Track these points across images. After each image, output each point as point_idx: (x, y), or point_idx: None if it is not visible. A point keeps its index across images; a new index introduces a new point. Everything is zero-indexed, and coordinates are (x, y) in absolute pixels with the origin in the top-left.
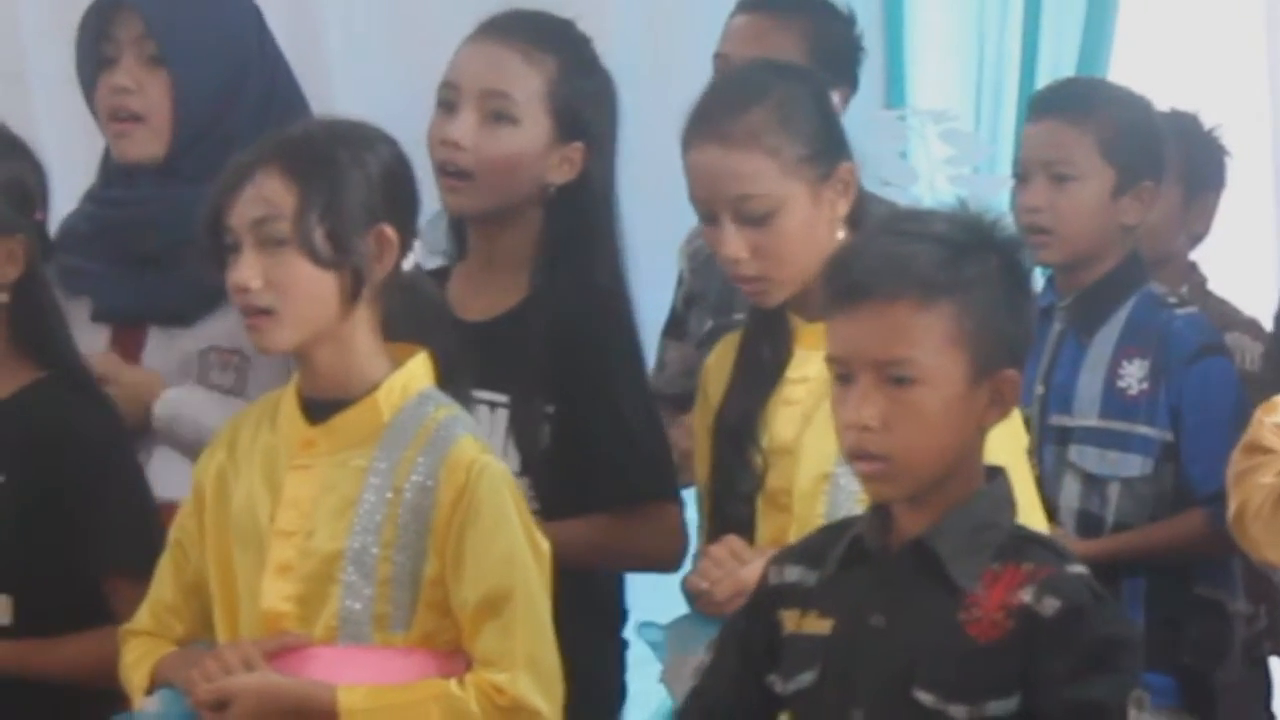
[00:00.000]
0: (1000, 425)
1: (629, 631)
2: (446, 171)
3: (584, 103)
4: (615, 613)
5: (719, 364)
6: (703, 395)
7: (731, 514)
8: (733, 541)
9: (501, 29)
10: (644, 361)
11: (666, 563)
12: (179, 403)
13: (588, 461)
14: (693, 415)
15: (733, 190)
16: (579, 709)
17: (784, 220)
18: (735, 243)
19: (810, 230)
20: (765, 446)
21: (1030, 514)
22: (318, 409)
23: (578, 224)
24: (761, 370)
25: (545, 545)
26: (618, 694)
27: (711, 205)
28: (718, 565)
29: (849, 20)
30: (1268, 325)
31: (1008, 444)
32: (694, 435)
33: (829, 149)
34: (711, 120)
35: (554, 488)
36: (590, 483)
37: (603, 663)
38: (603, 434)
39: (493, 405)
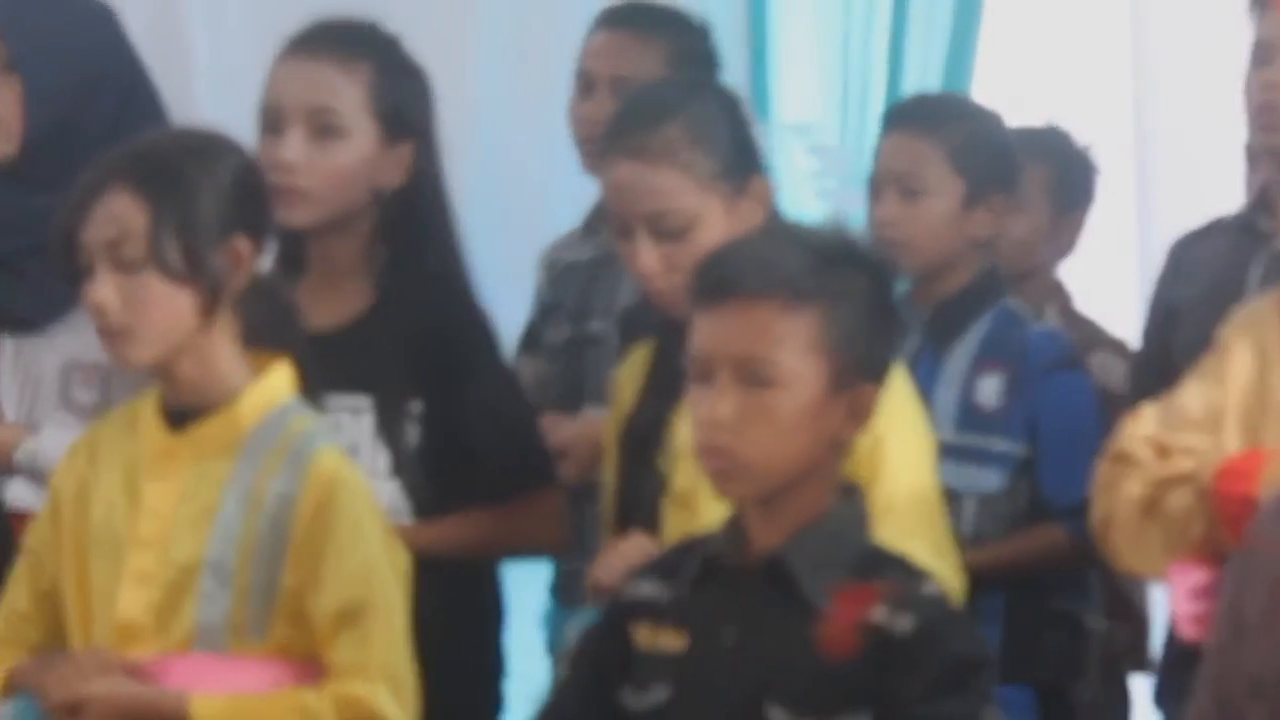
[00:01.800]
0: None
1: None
2: (282, 192)
3: (406, 102)
4: (495, 618)
5: (631, 373)
6: (614, 404)
7: (638, 518)
8: (639, 538)
9: (312, 43)
10: (503, 350)
11: (553, 549)
12: (38, 452)
13: (463, 456)
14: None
15: (648, 206)
16: (457, 714)
17: (699, 234)
18: (650, 257)
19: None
20: (673, 449)
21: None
22: (178, 418)
23: (416, 222)
24: (673, 377)
25: (404, 557)
26: (496, 699)
27: (627, 220)
28: (622, 559)
29: (706, 32)
30: (1132, 344)
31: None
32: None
33: (743, 164)
34: (626, 136)
35: (429, 485)
36: (468, 477)
37: (482, 667)
38: (475, 427)
39: (356, 410)
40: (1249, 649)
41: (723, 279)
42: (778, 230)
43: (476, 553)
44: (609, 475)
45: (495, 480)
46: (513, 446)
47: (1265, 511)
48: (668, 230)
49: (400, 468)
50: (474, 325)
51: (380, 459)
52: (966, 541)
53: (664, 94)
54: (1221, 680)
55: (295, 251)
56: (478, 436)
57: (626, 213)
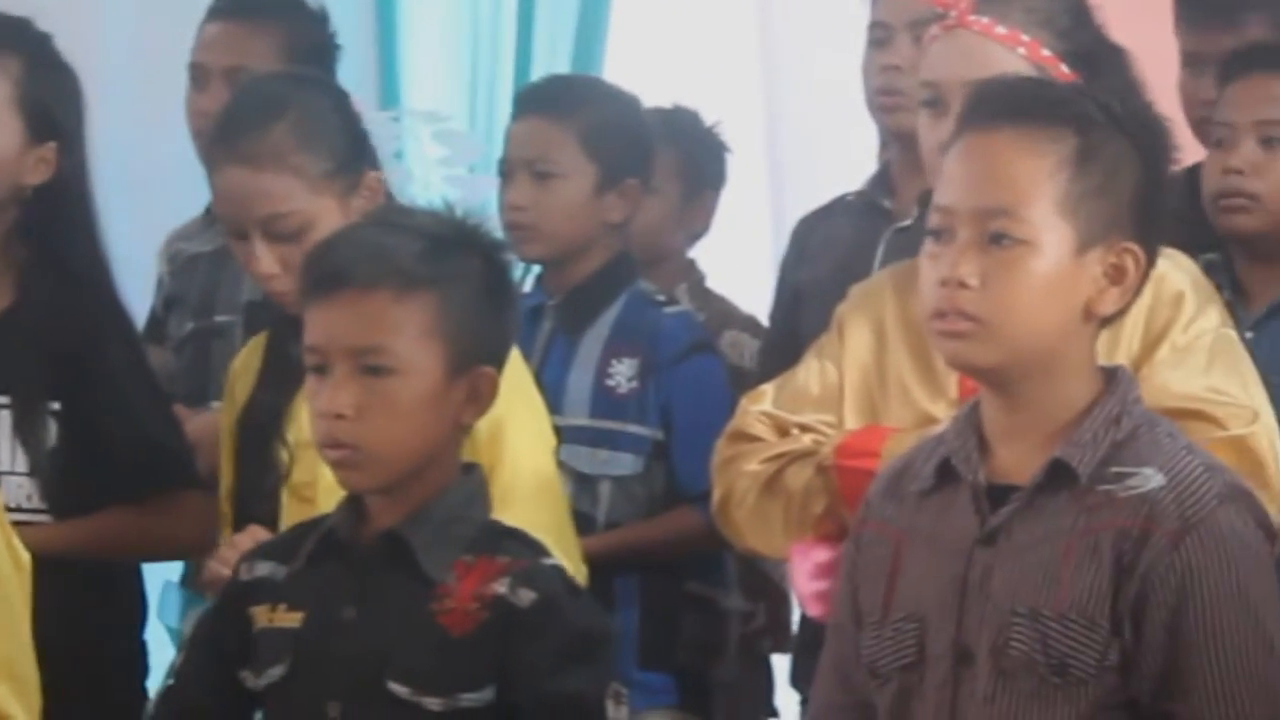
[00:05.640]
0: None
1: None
2: None
3: (53, 101)
4: (134, 615)
5: (246, 365)
6: (230, 397)
7: (256, 510)
8: (256, 531)
9: None
10: (143, 350)
11: (194, 549)
12: None
13: (100, 456)
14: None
15: (261, 210)
16: (96, 713)
17: (315, 234)
18: (267, 259)
19: None
20: (291, 441)
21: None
22: None
23: (57, 222)
24: (289, 368)
25: (25, 556)
26: (137, 697)
27: (241, 224)
28: (239, 553)
29: (323, 18)
30: (765, 321)
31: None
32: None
33: (354, 159)
34: (234, 141)
35: (66, 485)
36: (105, 476)
37: (121, 666)
38: (112, 427)
39: None
40: (868, 636)
41: (333, 271)
42: (387, 217)
43: (114, 553)
44: (226, 472)
45: (132, 480)
46: (151, 446)
47: (872, 493)
48: (282, 233)
49: (36, 468)
50: (113, 325)
51: (18, 459)
52: (601, 525)
53: (269, 94)
54: (844, 663)
55: None
56: (115, 436)
57: (240, 217)
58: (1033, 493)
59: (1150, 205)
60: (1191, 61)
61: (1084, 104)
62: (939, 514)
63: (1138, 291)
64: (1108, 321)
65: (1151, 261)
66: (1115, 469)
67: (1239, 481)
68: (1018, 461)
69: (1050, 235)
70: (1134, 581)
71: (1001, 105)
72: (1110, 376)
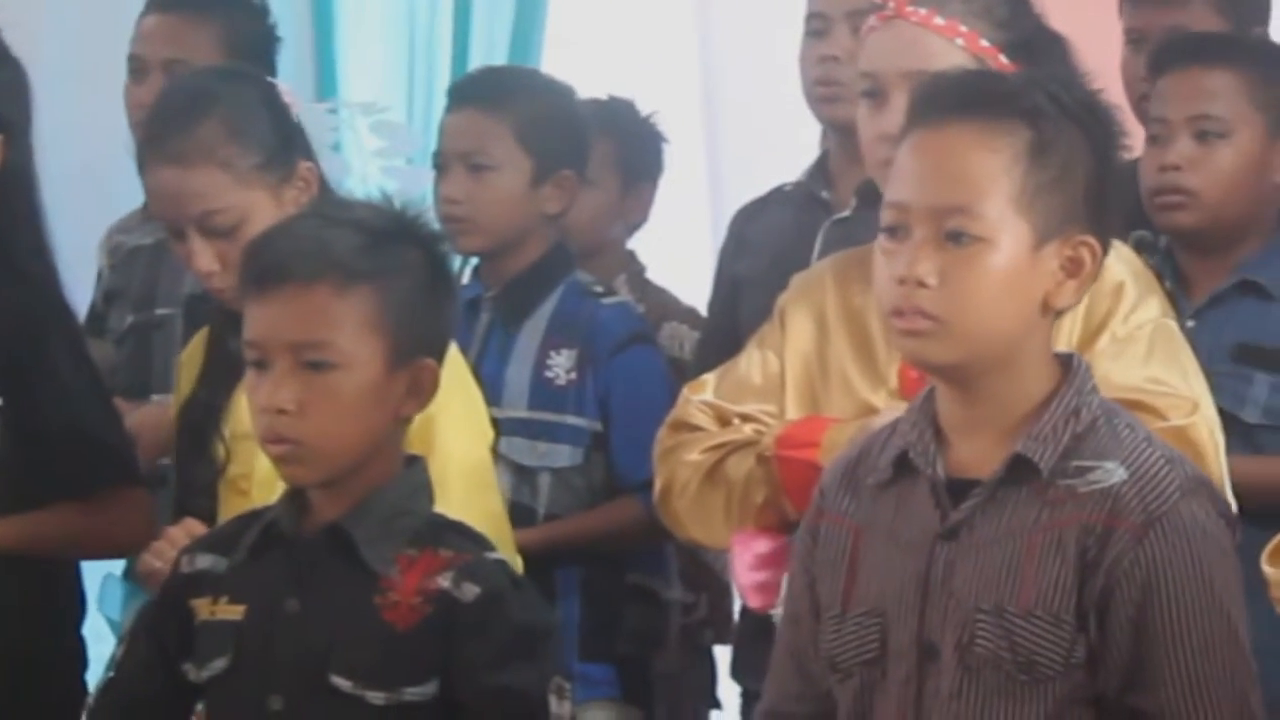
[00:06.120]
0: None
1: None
2: None
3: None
4: (73, 611)
5: (191, 358)
6: (178, 391)
7: (194, 505)
8: (189, 523)
9: None
10: (86, 347)
11: (136, 546)
12: None
13: (42, 453)
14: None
15: (195, 208)
16: (36, 709)
17: (250, 228)
18: (205, 256)
19: None
20: (227, 433)
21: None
22: None
23: (3, 215)
24: (227, 362)
25: None
26: (78, 693)
27: (177, 223)
28: (173, 545)
29: (262, 10)
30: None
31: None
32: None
33: (284, 151)
34: (163, 140)
35: (8, 482)
36: (47, 473)
37: (60, 662)
38: (54, 423)
39: None
40: (827, 630)
41: (273, 265)
42: (326, 210)
43: (55, 550)
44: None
45: (74, 477)
46: (93, 444)
47: (826, 484)
48: (217, 229)
49: None
50: (55, 319)
51: None
52: (542, 517)
53: (194, 92)
54: (800, 654)
55: None
56: (58, 433)
57: (174, 216)
58: (993, 487)
59: (1103, 195)
60: (1135, 39)
61: (1035, 96)
62: (897, 507)
63: (1092, 282)
64: (1062, 312)
65: (1105, 252)
66: (1076, 463)
67: (1199, 473)
68: (976, 455)
69: (1007, 232)
70: (1099, 577)
71: (952, 100)
72: (1065, 365)
